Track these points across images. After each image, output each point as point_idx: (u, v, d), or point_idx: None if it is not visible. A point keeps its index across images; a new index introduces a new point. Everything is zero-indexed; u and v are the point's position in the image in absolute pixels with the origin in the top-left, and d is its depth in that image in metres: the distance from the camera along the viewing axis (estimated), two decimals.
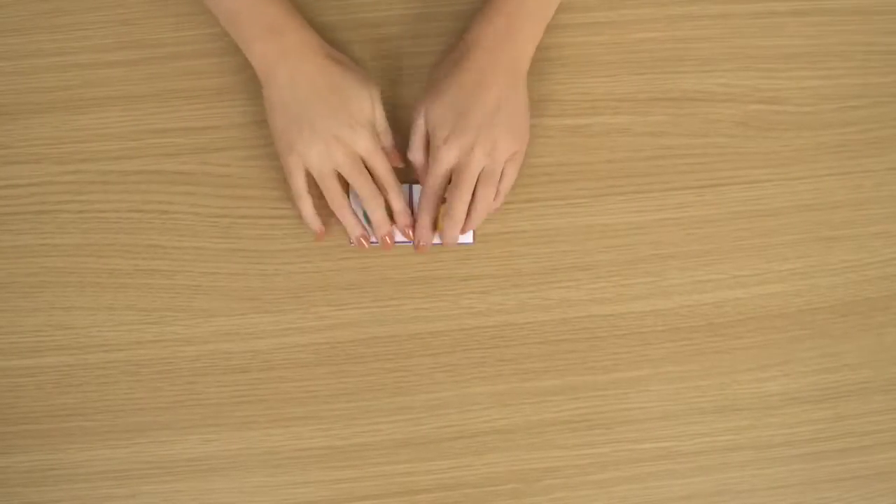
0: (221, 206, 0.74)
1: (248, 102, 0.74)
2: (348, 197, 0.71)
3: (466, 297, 0.74)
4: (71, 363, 0.73)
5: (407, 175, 0.74)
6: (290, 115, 0.68)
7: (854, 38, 0.77)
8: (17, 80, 0.74)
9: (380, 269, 0.74)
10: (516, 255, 0.74)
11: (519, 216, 0.75)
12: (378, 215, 0.71)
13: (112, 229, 0.74)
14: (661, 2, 0.76)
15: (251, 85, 0.74)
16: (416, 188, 0.73)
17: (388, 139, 0.72)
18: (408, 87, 0.75)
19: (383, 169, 0.70)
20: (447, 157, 0.68)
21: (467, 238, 0.73)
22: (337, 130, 0.67)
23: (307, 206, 0.70)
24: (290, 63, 0.67)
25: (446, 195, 0.70)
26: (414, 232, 0.72)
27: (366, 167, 0.70)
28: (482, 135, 0.68)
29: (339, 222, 0.71)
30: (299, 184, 0.69)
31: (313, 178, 0.70)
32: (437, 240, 0.73)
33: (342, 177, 0.70)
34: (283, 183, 0.74)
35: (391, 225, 0.72)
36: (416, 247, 0.72)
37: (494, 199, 0.71)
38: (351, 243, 0.72)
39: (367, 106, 0.69)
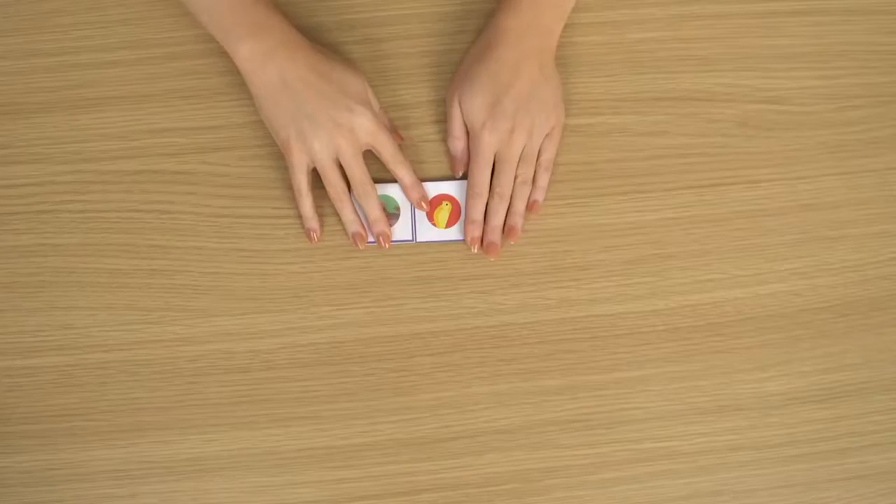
0: (221, 206, 0.74)
1: (248, 102, 0.74)
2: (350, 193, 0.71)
3: (467, 297, 0.74)
4: (71, 363, 0.73)
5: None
6: (287, 112, 0.68)
7: (854, 38, 0.77)
8: (17, 80, 0.74)
9: (380, 269, 0.74)
10: (516, 255, 0.74)
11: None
12: (373, 213, 0.71)
13: (112, 229, 0.74)
14: (662, 2, 0.76)
15: None
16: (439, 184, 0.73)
17: (385, 119, 0.73)
18: (406, 87, 0.75)
19: (389, 145, 0.70)
20: (490, 142, 0.70)
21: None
22: (337, 116, 0.68)
23: (308, 203, 0.71)
24: (279, 61, 0.68)
25: (493, 182, 0.72)
26: (466, 225, 0.73)
27: (370, 152, 0.71)
28: (518, 119, 0.70)
29: (338, 221, 0.72)
30: (302, 180, 0.70)
31: (314, 177, 0.70)
32: (436, 237, 0.73)
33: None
34: (283, 183, 0.74)
35: (388, 224, 0.72)
36: (472, 246, 0.73)
37: (540, 174, 0.73)
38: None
39: (361, 88, 0.70)
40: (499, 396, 0.74)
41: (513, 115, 0.70)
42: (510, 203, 0.73)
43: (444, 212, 0.74)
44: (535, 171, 0.73)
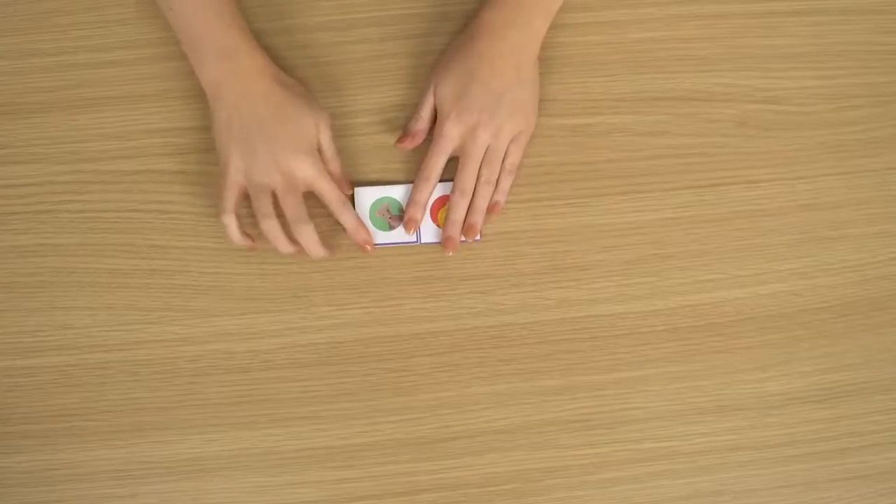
0: None
1: None
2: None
3: (466, 297, 0.74)
4: (70, 363, 0.73)
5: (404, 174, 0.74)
6: (234, 135, 0.68)
7: (853, 38, 0.77)
8: (16, 80, 0.74)
9: (380, 269, 0.74)
10: (516, 255, 0.74)
11: (519, 216, 0.75)
12: (305, 239, 0.69)
13: (111, 229, 0.74)
14: (661, 2, 0.76)
15: None
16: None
17: (335, 165, 0.72)
18: (406, 87, 0.75)
19: (329, 191, 0.70)
20: (451, 132, 0.70)
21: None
22: (277, 155, 0.68)
23: (233, 224, 0.69)
24: (238, 86, 0.68)
25: (456, 177, 0.72)
26: (407, 207, 0.73)
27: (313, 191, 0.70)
28: (485, 116, 0.70)
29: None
30: (229, 201, 0.69)
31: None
32: (433, 238, 0.73)
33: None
34: None
35: (322, 248, 0.70)
36: (409, 226, 0.73)
37: (503, 177, 0.72)
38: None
39: (312, 133, 0.70)
40: (498, 396, 0.74)
41: (479, 111, 0.70)
42: (472, 201, 0.72)
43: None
44: (499, 174, 0.72)
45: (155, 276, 0.74)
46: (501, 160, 0.72)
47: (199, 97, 0.74)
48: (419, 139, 0.73)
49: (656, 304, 0.74)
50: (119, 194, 0.74)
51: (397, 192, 0.74)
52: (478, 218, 0.73)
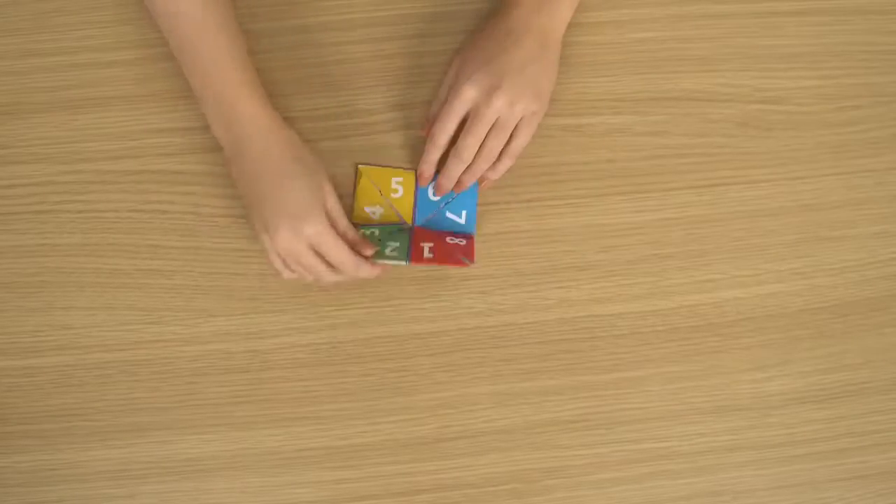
0: (221, 206, 0.74)
1: None
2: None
3: (466, 297, 0.74)
4: (70, 363, 0.73)
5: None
6: (255, 203, 0.69)
7: (854, 38, 0.77)
8: (17, 80, 0.74)
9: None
10: (516, 255, 0.74)
11: (519, 216, 0.75)
12: (332, 280, 0.70)
13: (112, 229, 0.74)
14: (662, 2, 0.76)
15: None
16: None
17: (342, 224, 0.71)
18: (408, 87, 0.75)
19: (331, 248, 0.68)
20: (468, 94, 0.69)
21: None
22: (278, 221, 0.67)
23: (293, 276, 0.70)
24: (246, 146, 0.68)
25: (459, 138, 0.71)
26: (420, 165, 0.73)
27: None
28: (505, 83, 0.69)
29: None
30: (275, 260, 0.69)
31: None
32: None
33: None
34: None
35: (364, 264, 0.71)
36: (420, 179, 0.73)
37: (503, 159, 0.72)
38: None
39: (317, 195, 0.68)
40: (499, 396, 0.74)
41: (499, 76, 0.69)
42: (469, 167, 0.72)
43: None
44: (500, 155, 0.72)
45: (155, 276, 0.74)
46: (508, 134, 0.71)
47: None
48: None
49: (656, 304, 0.74)
50: (119, 194, 0.74)
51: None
52: (469, 179, 0.72)
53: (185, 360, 0.73)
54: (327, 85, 0.75)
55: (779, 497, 0.74)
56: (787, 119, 0.76)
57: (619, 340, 0.74)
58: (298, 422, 0.73)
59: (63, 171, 0.74)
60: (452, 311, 0.74)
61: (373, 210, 0.74)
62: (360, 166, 0.74)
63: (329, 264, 0.69)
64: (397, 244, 0.72)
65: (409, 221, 0.74)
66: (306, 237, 0.67)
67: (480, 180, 0.73)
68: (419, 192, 0.74)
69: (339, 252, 0.68)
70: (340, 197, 0.71)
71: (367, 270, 0.70)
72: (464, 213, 0.74)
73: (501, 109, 0.69)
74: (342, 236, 0.70)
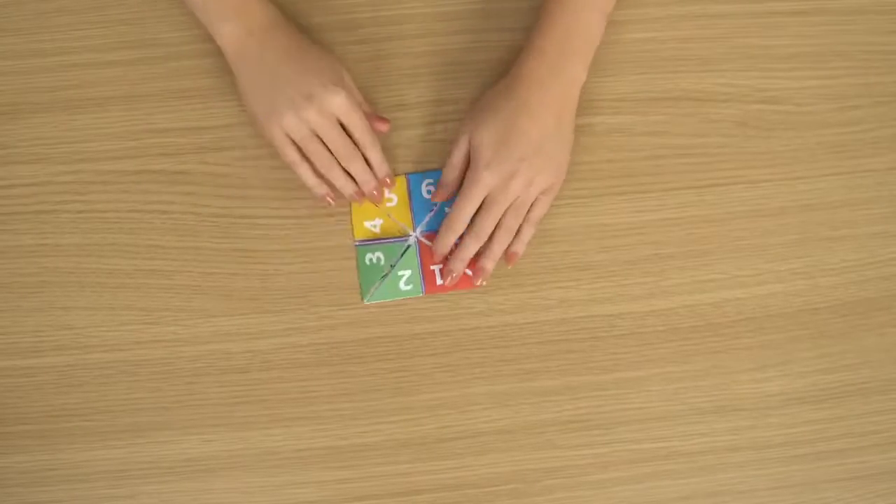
0: (221, 206, 0.74)
1: None
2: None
3: (466, 297, 0.74)
4: (70, 363, 0.73)
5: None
6: (263, 87, 0.68)
7: (854, 38, 0.77)
8: (17, 80, 0.74)
9: None
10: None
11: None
12: (360, 175, 0.71)
13: (112, 229, 0.74)
14: (662, 1, 0.76)
15: None
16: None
17: (365, 106, 0.72)
18: (406, 87, 0.75)
19: (360, 124, 0.69)
20: (488, 181, 0.69)
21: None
22: (309, 89, 0.67)
23: (306, 172, 0.71)
24: (259, 37, 0.68)
25: (475, 219, 0.70)
26: (434, 246, 0.72)
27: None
28: (524, 166, 0.69)
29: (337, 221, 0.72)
30: (290, 153, 0.70)
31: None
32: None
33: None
34: (283, 183, 0.74)
35: (380, 180, 0.72)
36: (435, 257, 0.73)
37: (525, 228, 0.72)
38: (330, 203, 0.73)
39: (339, 72, 0.70)
40: (499, 397, 0.74)
41: (518, 160, 0.68)
42: (488, 245, 0.72)
43: None
44: (521, 224, 0.72)
45: (155, 277, 0.74)
46: (526, 211, 0.71)
47: (200, 97, 0.74)
48: (452, 192, 0.72)
49: (656, 304, 0.74)
50: (119, 194, 0.74)
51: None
52: (489, 263, 0.72)
53: (184, 360, 0.73)
54: None
55: (779, 497, 0.74)
56: (788, 119, 0.76)
57: (619, 340, 0.74)
58: (298, 422, 0.73)
59: (63, 171, 0.74)
60: (452, 311, 0.74)
61: (373, 224, 0.74)
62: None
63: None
64: (409, 272, 0.73)
65: (411, 226, 0.74)
66: (335, 106, 0.67)
67: (508, 257, 0.73)
68: (413, 196, 0.74)
69: (366, 129, 0.69)
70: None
71: (377, 155, 0.71)
72: None
73: (519, 192, 0.69)
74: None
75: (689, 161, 0.75)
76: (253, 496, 0.73)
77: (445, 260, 0.73)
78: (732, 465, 0.74)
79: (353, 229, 0.74)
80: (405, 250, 0.74)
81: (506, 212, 0.70)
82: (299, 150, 0.70)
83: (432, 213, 0.74)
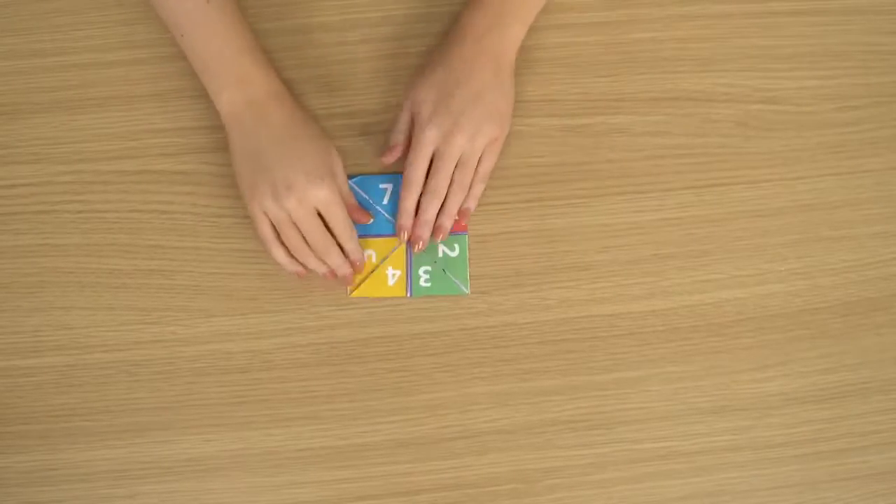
0: (221, 206, 0.74)
1: None
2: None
3: (466, 297, 0.74)
4: (70, 363, 0.73)
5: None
6: (251, 163, 0.68)
7: (854, 38, 0.77)
8: (17, 80, 0.75)
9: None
10: (516, 255, 0.74)
11: (519, 216, 0.75)
12: (333, 261, 0.70)
13: (112, 229, 0.74)
14: (661, 2, 0.76)
15: None
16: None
17: (350, 198, 0.72)
18: (406, 87, 0.75)
19: (340, 218, 0.69)
20: (429, 138, 0.70)
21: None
22: (292, 178, 0.67)
23: (278, 252, 0.70)
24: (256, 109, 0.68)
25: (428, 178, 0.71)
26: (398, 219, 0.72)
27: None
28: (464, 119, 0.69)
29: None
30: (265, 231, 0.69)
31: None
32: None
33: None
34: None
35: (351, 265, 0.72)
36: (400, 234, 0.73)
37: (475, 185, 0.72)
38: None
39: (328, 159, 0.69)
40: (498, 396, 0.74)
41: (457, 114, 0.69)
42: (444, 204, 0.72)
43: None
44: (471, 180, 0.72)
45: (155, 277, 0.74)
46: (475, 165, 0.71)
47: (200, 97, 0.74)
48: (399, 152, 0.73)
49: (656, 304, 0.74)
50: (119, 194, 0.74)
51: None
52: (447, 221, 0.72)
53: (184, 360, 0.73)
54: (327, 85, 0.75)
55: (779, 497, 0.74)
56: (787, 119, 0.76)
57: (619, 340, 0.74)
58: (298, 422, 0.73)
59: (63, 171, 0.74)
60: (452, 311, 0.74)
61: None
62: None
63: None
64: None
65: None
66: (316, 200, 0.67)
67: (461, 213, 0.73)
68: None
69: (345, 223, 0.69)
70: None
71: (355, 248, 0.71)
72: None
73: (464, 146, 0.70)
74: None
75: (689, 161, 0.75)
76: (253, 496, 0.73)
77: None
78: (732, 465, 0.74)
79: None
80: (395, 249, 0.74)
81: (455, 169, 0.71)
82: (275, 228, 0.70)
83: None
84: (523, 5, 0.71)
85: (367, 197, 0.74)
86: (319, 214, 0.69)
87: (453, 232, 0.73)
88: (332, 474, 0.73)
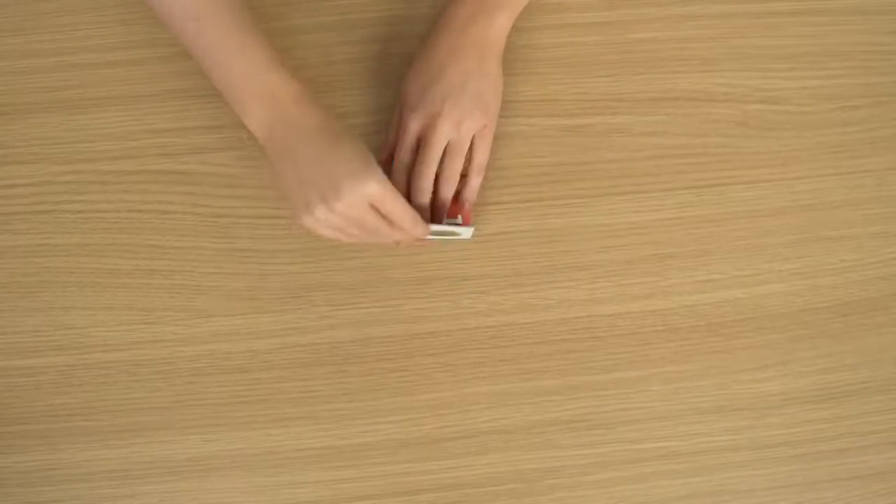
0: (221, 206, 0.74)
1: None
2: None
3: (466, 297, 0.74)
4: (70, 363, 0.73)
5: None
6: (293, 178, 0.66)
7: (854, 38, 0.77)
8: (17, 80, 0.74)
9: (380, 269, 0.74)
10: (516, 255, 0.74)
11: (519, 216, 0.75)
12: (402, 237, 0.69)
13: (112, 229, 0.74)
14: (661, 2, 0.76)
15: None
16: None
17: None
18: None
19: (395, 209, 0.66)
20: (412, 126, 0.69)
21: (466, 233, 0.73)
22: (337, 181, 0.64)
23: (352, 240, 0.69)
24: (285, 124, 0.66)
25: (414, 163, 0.70)
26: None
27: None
28: (447, 106, 0.69)
29: None
30: (328, 234, 0.68)
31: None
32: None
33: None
34: None
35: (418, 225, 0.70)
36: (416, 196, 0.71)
37: (471, 177, 0.72)
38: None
39: (362, 151, 0.66)
40: (498, 396, 0.74)
41: (440, 101, 0.69)
42: (434, 195, 0.71)
43: None
44: (468, 173, 0.72)
45: (155, 276, 0.74)
46: (464, 155, 0.71)
47: (200, 97, 0.74)
48: (391, 147, 0.72)
49: (656, 304, 0.74)
50: (119, 194, 0.74)
51: None
52: (440, 206, 0.71)
53: (184, 360, 0.73)
54: (327, 85, 0.75)
55: (779, 497, 0.74)
56: (787, 119, 0.76)
57: (619, 340, 0.74)
58: (298, 422, 0.73)
59: (63, 171, 0.74)
60: (452, 311, 0.74)
61: None
62: None
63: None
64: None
65: None
66: (370, 196, 0.65)
67: (459, 206, 0.72)
68: None
69: (403, 207, 0.66)
70: None
71: (422, 228, 0.68)
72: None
73: (449, 133, 0.69)
74: None
75: (689, 161, 0.75)
76: (253, 496, 0.73)
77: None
78: (732, 465, 0.74)
79: None
80: None
81: (445, 159, 0.70)
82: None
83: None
84: (504, 2, 0.70)
85: None
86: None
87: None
88: (332, 474, 0.73)
